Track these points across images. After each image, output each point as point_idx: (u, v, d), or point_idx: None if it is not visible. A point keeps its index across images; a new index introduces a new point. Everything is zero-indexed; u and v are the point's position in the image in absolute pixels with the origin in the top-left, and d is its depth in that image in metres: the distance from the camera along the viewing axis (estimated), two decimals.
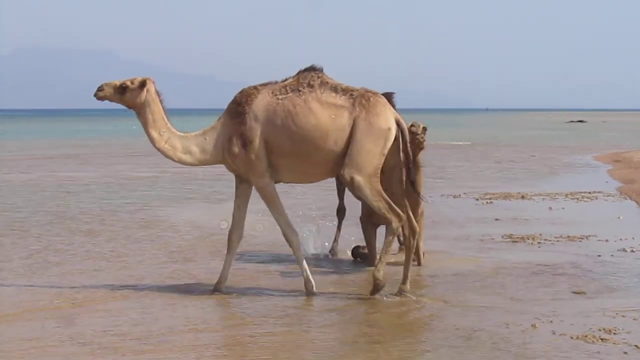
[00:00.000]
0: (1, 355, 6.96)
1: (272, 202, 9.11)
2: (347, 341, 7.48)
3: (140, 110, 9.09)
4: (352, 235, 11.67)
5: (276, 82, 9.05)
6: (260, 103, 8.90)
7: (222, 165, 9.29)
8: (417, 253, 10.77)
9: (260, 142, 8.87)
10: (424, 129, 10.11)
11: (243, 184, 9.19)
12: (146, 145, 9.81)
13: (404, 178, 9.04)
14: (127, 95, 9.04)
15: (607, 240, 12.35)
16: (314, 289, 9.10)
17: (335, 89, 8.92)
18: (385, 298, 8.88)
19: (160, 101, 9.13)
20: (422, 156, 10.39)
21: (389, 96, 10.78)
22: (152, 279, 9.89)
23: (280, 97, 8.88)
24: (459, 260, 11.00)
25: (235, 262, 10.41)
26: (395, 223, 8.89)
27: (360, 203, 10.95)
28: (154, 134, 9.10)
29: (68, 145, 42.31)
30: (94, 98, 9.19)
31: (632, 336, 7.41)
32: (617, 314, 8.19)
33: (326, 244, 11.59)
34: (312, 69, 9.05)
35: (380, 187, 8.88)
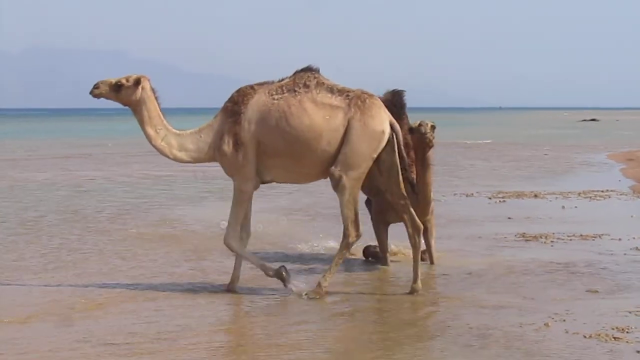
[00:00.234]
0: (16, 357, 6.99)
1: (240, 205, 9.12)
2: (360, 339, 7.50)
3: (136, 108, 9.16)
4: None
5: (273, 82, 9.10)
6: (256, 103, 8.94)
7: None
8: (429, 252, 10.78)
9: (252, 145, 8.90)
10: (433, 127, 10.11)
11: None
12: None
13: (402, 179, 9.06)
14: (122, 93, 9.12)
15: (620, 239, 12.33)
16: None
17: (331, 89, 8.95)
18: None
19: (156, 98, 9.21)
20: (432, 154, 10.35)
21: (399, 94, 10.79)
22: (166, 278, 9.91)
23: (276, 97, 8.91)
24: (471, 259, 11.00)
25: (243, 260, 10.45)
26: (352, 237, 8.93)
27: (364, 200, 10.96)
28: (150, 131, 9.17)
29: (82, 145, 42.37)
30: (90, 95, 9.29)
31: None
32: (630, 312, 8.18)
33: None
34: (308, 69, 9.09)
35: (357, 196, 8.93)
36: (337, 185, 8.86)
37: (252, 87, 9.11)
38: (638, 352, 6.97)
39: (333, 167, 8.83)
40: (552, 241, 12.30)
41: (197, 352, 7.05)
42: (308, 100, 8.84)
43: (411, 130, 10.13)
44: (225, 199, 10.89)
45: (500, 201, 17.20)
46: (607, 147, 37.77)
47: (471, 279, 9.88)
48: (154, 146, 9.27)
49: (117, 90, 9.11)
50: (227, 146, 8.97)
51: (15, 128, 73.13)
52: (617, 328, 7.59)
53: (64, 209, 16.21)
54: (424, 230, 10.68)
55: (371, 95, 9.02)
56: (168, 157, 9.28)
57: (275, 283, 9.42)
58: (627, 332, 7.48)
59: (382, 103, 9.08)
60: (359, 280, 9.95)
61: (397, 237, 10.85)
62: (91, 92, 9.19)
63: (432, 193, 10.47)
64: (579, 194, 18.25)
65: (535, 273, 10.13)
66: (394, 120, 9.02)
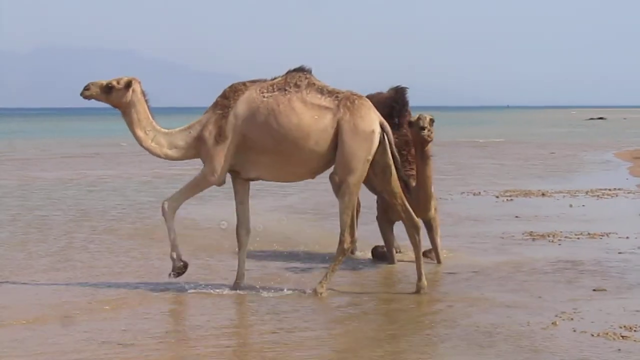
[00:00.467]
0: (24, 359, 7.02)
1: (194, 189, 9.27)
2: (367, 338, 7.49)
3: (125, 110, 9.25)
4: (371, 233, 11.67)
5: (265, 80, 9.17)
6: (246, 99, 9.03)
7: None
8: (435, 250, 10.78)
9: (234, 140, 9.00)
10: (432, 121, 10.08)
11: (238, 180, 9.30)
12: None
13: (395, 177, 9.10)
14: (112, 95, 9.20)
15: (627, 237, 12.32)
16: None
17: (321, 90, 9.01)
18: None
19: (146, 101, 9.31)
20: (431, 148, 10.31)
21: (401, 91, 10.81)
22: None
23: (266, 95, 8.98)
24: (479, 258, 10.99)
25: (254, 260, 10.48)
26: (347, 243, 8.99)
27: (375, 199, 10.97)
28: (140, 133, 9.28)
29: (96, 144, 42.36)
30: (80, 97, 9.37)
31: None
32: (638, 311, 8.17)
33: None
34: (300, 69, 9.16)
35: (355, 202, 9.00)
36: (338, 191, 8.93)
37: (244, 83, 9.21)
38: None
39: (332, 173, 8.92)
40: (559, 240, 12.30)
41: (206, 352, 7.06)
42: (297, 100, 8.91)
43: (410, 124, 10.12)
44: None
45: (507, 200, 17.20)
46: (614, 146, 37.72)
47: (479, 277, 9.89)
48: (144, 147, 9.38)
49: (107, 92, 9.21)
50: (209, 135, 9.08)
51: (26, 127, 73.26)
52: (625, 327, 7.59)
53: (74, 208, 16.29)
54: (428, 229, 10.69)
55: (360, 97, 9.08)
56: (160, 156, 9.41)
57: (283, 282, 9.45)
58: (635, 330, 7.48)
59: (371, 104, 9.13)
60: (366, 279, 9.97)
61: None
62: (82, 94, 9.30)
63: (432, 187, 10.43)
64: (587, 192, 18.24)
65: (542, 272, 10.13)
66: (384, 121, 9.06)
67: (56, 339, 7.43)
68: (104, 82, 9.24)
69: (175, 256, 9.22)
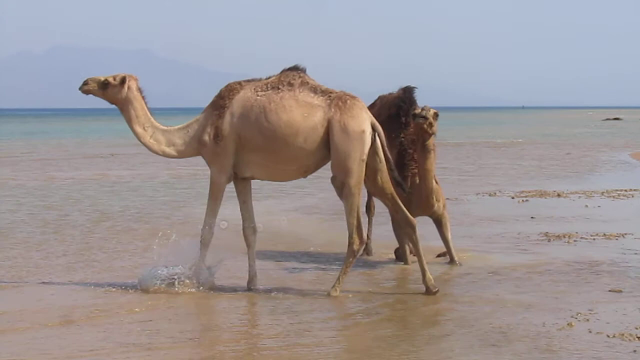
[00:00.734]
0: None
1: (215, 198, 9.29)
2: (382, 338, 7.50)
3: (122, 107, 9.37)
4: (383, 233, 11.65)
5: (261, 79, 9.24)
6: (241, 98, 9.12)
7: None
8: (448, 248, 10.74)
9: (231, 138, 9.07)
10: (436, 114, 10.06)
11: (239, 180, 9.36)
12: None
13: (387, 178, 9.14)
14: (109, 91, 9.34)
15: None
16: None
17: (314, 89, 9.08)
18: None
19: (143, 98, 9.41)
20: (433, 141, 10.28)
21: (409, 90, 10.83)
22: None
23: (260, 93, 9.07)
24: (495, 259, 10.99)
25: (269, 260, 10.49)
26: (356, 245, 9.01)
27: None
28: (139, 129, 9.38)
29: (111, 145, 42.49)
30: (79, 92, 9.46)
31: None
32: None
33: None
34: (295, 68, 9.24)
35: (359, 203, 9.00)
36: (341, 193, 8.99)
37: (239, 83, 9.30)
38: None
39: (333, 176, 8.98)
40: (575, 240, 12.28)
41: (221, 352, 7.10)
42: (290, 98, 8.98)
43: (414, 116, 10.11)
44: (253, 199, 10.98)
45: (523, 200, 17.18)
46: (630, 146, 37.60)
47: (494, 278, 9.89)
48: (143, 144, 9.49)
49: (104, 88, 9.35)
50: (208, 137, 9.17)
51: (44, 128, 73.45)
52: None
53: (92, 208, 16.38)
54: (438, 226, 10.68)
55: (353, 97, 9.12)
56: (157, 153, 9.51)
57: (299, 282, 9.47)
58: None
59: (364, 104, 9.17)
60: (380, 280, 9.97)
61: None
62: (80, 88, 9.45)
63: (436, 182, 10.41)
64: (602, 193, 18.21)
65: (558, 272, 10.12)
66: (375, 122, 9.09)
67: (73, 339, 7.48)
68: (102, 78, 9.38)
69: (199, 276, 9.28)
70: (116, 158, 31.39)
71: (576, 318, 7.93)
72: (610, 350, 6.98)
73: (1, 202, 17.53)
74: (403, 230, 9.31)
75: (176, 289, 9.11)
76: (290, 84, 9.07)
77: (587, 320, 7.89)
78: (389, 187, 9.15)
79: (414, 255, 11.00)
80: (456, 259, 10.72)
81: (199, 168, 23.50)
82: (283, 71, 9.24)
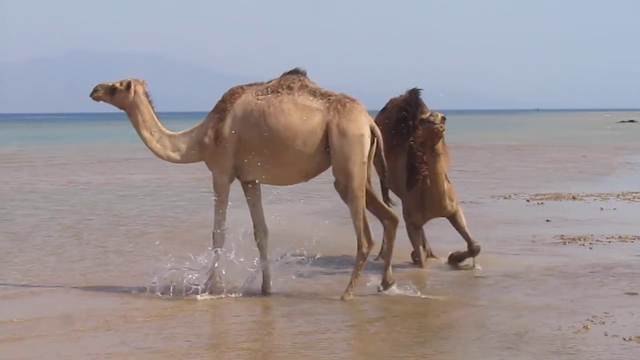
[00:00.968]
0: None
1: (221, 201, 9.33)
2: (397, 341, 7.51)
3: (130, 111, 9.46)
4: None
5: (262, 83, 9.29)
6: (242, 102, 9.18)
7: None
8: (466, 236, 10.65)
9: (232, 140, 9.12)
10: (443, 118, 10.10)
11: (248, 185, 9.41)
12: None
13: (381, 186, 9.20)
14: (116, 97, 9.44)
15: None
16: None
17: (313, 92, 9.11)
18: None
19: (150, 102, 9.48)
20: (442, 144, 10.30)
21: (415, 92, 10.87)
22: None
23: (260, 97, 9.13)
24: (510, 261, 11.00)
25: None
26: (365, 248, 9.07)
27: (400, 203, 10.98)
28: (146, 134, 9.46)
29: (127, 149, 42.59)
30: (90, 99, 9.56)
31: None
32: None
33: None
34: (295, 71, 9.28)
35: (363, 205, 9.03)
36: (345, 197, 9.05)
37: (241, 87, 9.37)
38: None
39: (335, 180, 9.02)
40: (590, 243, 12.27)
41: (237, 355, 7.12)
42: (289, 102, 9.03)
43: (421, 121, 10.15)
44: (269, 202, 11.01)
45: (538, 203, 17.17)
46: None
47: (509, 280, 9.89)
48: (149, 148, 9.57)
49: (112, 93, 9.45)
50: (208, 139, 9.24)
51: (61, 132, 73.61)
52: None
53: (108, 212, 16.47)
54: (453, 223, 10.68)
55: (352, 100, 9.14)
56: (163, 158, 9.59)
57: (314, 285, 9.49)
58: None
59: (363, 108, 9.18)
60: (393, 283, 9.94)
61: (441, 239, 10.86)
62: (91, 95, 9.56)
63: (447, 183, 10.43)
64: (618, 195, 18.17)
65: (574, 275, 10.11)
66: (375, 125, 9.12)
67: (88, 343, 7.51)
68: (110, 84, 9.48)
69: (210, 284, 9.29)
70: (132, 162, 31.47)
71: (592, 321, 7.93)
72: (627, 353, 6.98)
73: (19, 206, 17.64)
74: (383, 222, 9.35)
75: (198, 295, 9.13)
76: (289, 88, 9.11)
77: (603, 323, 7.88)
78: (366, 185, 9.17)
79: (430, 257, 11.07)
80: (474, 242, 10.59)
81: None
82: (284, 74, 9.28)
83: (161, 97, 9.57)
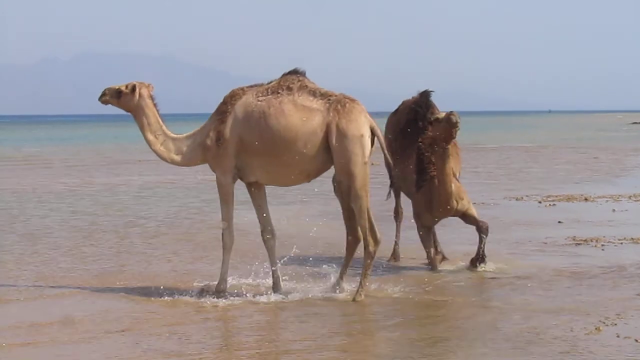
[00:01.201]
0: None
1: (226, 202, 9.40)
2: (409, 343, 7.54)
3: (135, 114, 9.56)
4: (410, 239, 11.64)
5: (262, 84, 9.33)
6: (243, 104, 9.22)
7: None
8: (475, 224, 10.65)
9: (233, 141, 9.17)
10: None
11: (253, 187, 9.48)
12: None
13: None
14: (122, 100, 9.54)
15: None
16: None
17: (313, 93, 9.14)
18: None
19: (154, 105, 9.56)
20: (452, 145, 10.31)
21: (425, 94, 10.90)
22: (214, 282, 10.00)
23: (260, 98, 9.17)
24: (522, 263, 10.99)
25: (296, 264, 10.53)
26: (372, 246, 9.11)
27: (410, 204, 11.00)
28: (150, 136, 9.55)
29: (139, 151, 42.65)
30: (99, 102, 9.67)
31: None
32: None
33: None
34: (295, 72, 9.31)
35: (367, 205, 9.05)
36: (349, 197, 9.07)
37: (242, 89, 9.42)
38: None
39: (339, 181, 9.06)
40: (602, 245, 12.26)
41: (248, 356, 7.15)
42: (289, 102, 9.06)
43: (437, 120, 10.17)
44: (274, 204, 11.06)
45: (550, 205, 17.16)
46: None
47: (521, 282, 9.89)
48: (154, 151, 9.64)
49: (118, 96, 9.54)
50: (210, 140, 9.30)
51: (71, 134, 73.72)
52: None
53: (122, 213, 16.58)
54: (464, 219, 10.69)
55: (353, 100, 9.17)
56: (166, 161, 9.66)
57: (326, 286, 9.51)
58: None
59: (363, 108, 9.20)
60: (407, 285, 9.94)
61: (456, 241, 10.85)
62: (99, 99, 9.65)
63: (456, 182, 10.45)
64: (630, 197, 18.14)
65: (586, 277, 10.11)
66: (375, 125, 9.15)
67: (102, 346, 7.55)
68: (117, 87, 9.57)
69: (222, 287, 9.33)
70: (144, 164, 31.55)
71: (604, 322, 7.93)
72: (639, 355, 6.98)
73: (34, 207, 17.74)
74: (347, 237, 9.44)
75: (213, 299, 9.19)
76: (289, 88, 9.15)
77: (615, 324, 7.89)
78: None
79: (444, 260, 11.08)
80: (482, 221, 10.60)
81: None
82: (283, 75, 9.32)
83: (170, 98, 9.62)
